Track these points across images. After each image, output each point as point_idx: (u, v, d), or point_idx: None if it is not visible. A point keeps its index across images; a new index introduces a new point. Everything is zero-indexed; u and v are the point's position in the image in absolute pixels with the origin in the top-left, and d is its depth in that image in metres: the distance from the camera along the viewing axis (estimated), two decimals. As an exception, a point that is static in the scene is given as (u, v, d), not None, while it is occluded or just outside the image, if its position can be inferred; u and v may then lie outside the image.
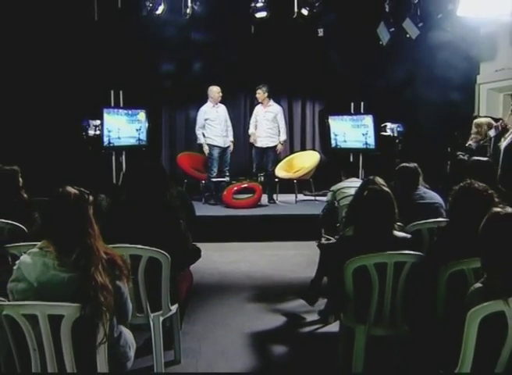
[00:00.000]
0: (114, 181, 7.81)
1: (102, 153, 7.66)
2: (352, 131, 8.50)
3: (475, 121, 5.93)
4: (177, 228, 3.30)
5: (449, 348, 2.29)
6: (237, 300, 4.66)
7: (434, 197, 4.04)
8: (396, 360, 3.19)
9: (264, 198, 7.99)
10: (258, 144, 7.98)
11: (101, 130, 7.43)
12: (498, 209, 2.26)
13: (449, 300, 2.65)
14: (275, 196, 8.18)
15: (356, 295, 2.91)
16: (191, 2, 7.48)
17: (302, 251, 6.02)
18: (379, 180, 3.74)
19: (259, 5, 7.56)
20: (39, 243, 2.28)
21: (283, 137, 7.96)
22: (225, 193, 7.64)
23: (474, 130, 5.80)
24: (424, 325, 2.84)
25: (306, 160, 8.55)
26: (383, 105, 8.06)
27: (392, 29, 7.65)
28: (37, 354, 2.17)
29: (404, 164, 4.18)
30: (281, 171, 8.41)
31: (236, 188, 7.70)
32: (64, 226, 2.22)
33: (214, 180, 7.85)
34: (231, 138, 8.02)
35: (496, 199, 2.75)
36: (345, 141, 8.60)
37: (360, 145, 8.42)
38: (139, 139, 8.06)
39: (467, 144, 5.78)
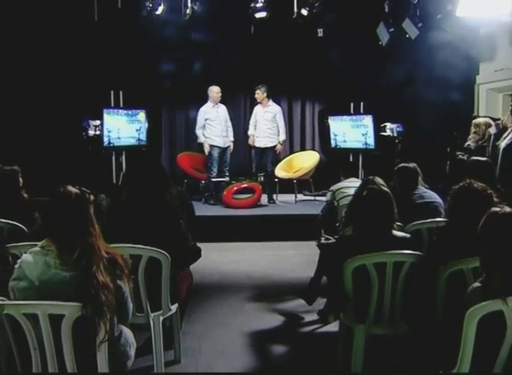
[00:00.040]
0: (114, 181, 7.82)
1: (102, 153, 7.67)
2: (352, 131, 8.51)
3: (474, 121, 5.95)
4: (177, 228, 3.31)
5: (448, 348, 2.30)
6: (237, 300, 4.67)
7: (433, 197, 4.05)
8: (395, 359, 3.20)
9: (264, 198, 8.00)
10: (257, 144, 7.99)
11: (101, 130, 7.44)
12: (496, 209, 2.27)
13: (448, 299, 2.66)
14: (274, 196, 8.19)
15: (355, 295, 2.92)
16: (191, 2, 7.49)
17: (302, 251, 6.03)
18: (379, 180, 3.74)
19: (259, 5, 7.56)
20: (39, 243, 2.29)
21: (282, 137, 7.97)
22: (224, 193, 7.65)
23: (472, 130, 5.81)
24: (423, 324, 2.85)
25: (306, 160, 8.56)
26: (383, 105, 8.07)
27: (392, 29, 7.67)
28: (38, 353, 2.18)
29: (403, 164, 4.19)
30: (281, 171, 8.42)
31: (235, 188, 7.71)
32: (65, 226, 2.22)
33: (214, 180, 7.86)
34: (231, 138, 8.03)
35: (496, 199, 2.76)
36: (345, 141, 8.61)
37: (359, 145, 8.43)
38: (139, 139, 8.07)
39: (466, 145, 5.79)
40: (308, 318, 4.20)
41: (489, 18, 6.74)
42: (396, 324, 2.97)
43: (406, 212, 3.48)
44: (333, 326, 3.89)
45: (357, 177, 5.62)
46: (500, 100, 7.87)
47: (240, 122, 8.85)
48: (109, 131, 7.57)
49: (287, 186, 8.35)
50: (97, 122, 7.46)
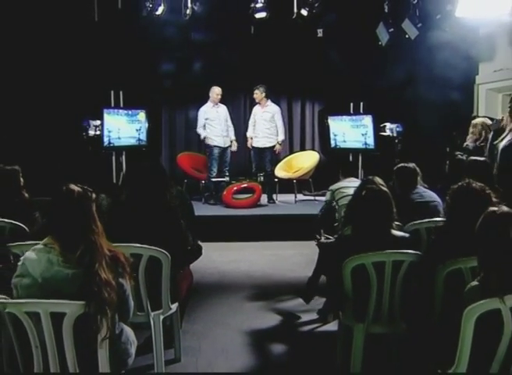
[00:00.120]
0: (114, 181, 7.83)
1: (102, 153, 7.68)
2: (351, 131, 8.52)
3: (472, 121, 5.97)
4: (177, 228, 3.32)
5: (446, 346, 2.32)
6: (237, 299, 4.69)
7: (433, 196, 4.07)
8: (394, 358, 3.22)
9: (264, 198, 8.01)
10: (256, 145, 8.01)
11: (102, 130, 7.45)
12: (494, 208, 2.29)
13: (446, 298, 2.68)
14: (274, 196, 8.21)
15: (354, 294, 2.93)
16: (191, 3, 7.50)
17: (301, 251, 6.05)
18: (378, 180, 3.75)
19: (259, 5, 7.57)
20: (41, 242, 2.30)
21: (281, 137, 7.97)
22: (224, 193, 7.67)
23: (470, 130, 5.83)
24: (421, 323, 2.86)
25: (305, 160, 8.58)
26: (382, 105, 8.08)
27: (392, 29, 7.68)
28: (39, 351, 2.19)
29: (403, 164, 4.21)
30: (280, 171, 8.44)
31: (235, 188, 7.73)
32: (68, 223, 2.24)
33: (214, 180, 7.88)
34: (232, 137, 8.05)
35: (494, 199, 2.78)
36: (344, 141, 8.62)
37: (359, 145, 8.44)
38: (139, 139, 8.08)
39: (464, 145, 5.81)
40: (308, 317, 4.21)
41: (489, 18, 6.76)
42: (395, 323, 2.98)
43: (405, 211, 3.49)
44: (333, 326, 3.90)
45: (357, 177, 5.64)
46: (500, 100, 7.88)
47: (240, 122, 8.86)
48: (109, 131, 7.59)
49: (287, 186, 8.36)
50: (98, 122, 7.48)
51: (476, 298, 2.13)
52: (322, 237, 4.41)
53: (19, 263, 2.23)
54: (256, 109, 8.08)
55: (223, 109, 8.02)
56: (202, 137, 7.87)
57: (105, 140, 7.52)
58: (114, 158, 7.95)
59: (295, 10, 7.83)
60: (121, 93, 8.02)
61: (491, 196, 2.80)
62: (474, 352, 2.16)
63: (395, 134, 8.02)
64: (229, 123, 8.10)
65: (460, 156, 5.66)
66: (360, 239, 2.97)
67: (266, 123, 7.91)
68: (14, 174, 3.94)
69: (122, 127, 7.83)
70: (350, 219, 3.36)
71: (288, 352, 3.70)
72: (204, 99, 7.97)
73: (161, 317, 3.14)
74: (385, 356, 3.29)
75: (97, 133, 7.47)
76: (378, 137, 8.19)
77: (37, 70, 7.18)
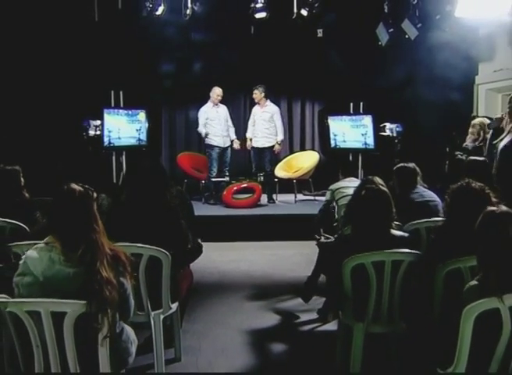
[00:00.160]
0: (114, 181, 7.84)
1: (102, 153, 7.69)
2: (351, 131, 8.53)
3: (471, 122, 5.98)
4: (177, 227, 3.33)
5: (446, 345, 2.33)
6: (237, 299, 4.70)
7: (432, 196, 4.08)
8: (393, 358, 3.23)
9: (264, 198, 8.02)
10: (255, 145, 8.02)
11: (102, 130, 7.46)
12: (493, 208, 2.30)
13: (445, 298, 2.69)
14: (274, 196, 8.21)
15: (354, 293, 2.94)
16: (191, 3, 7.51)
17: (301, 251, 6.06)
18: (378, 179, 3.77)
19: (259, 5, 7.58)
20: (41, 241, 2.31)
21: (280, 137, 7.97)
22: (224, 193, 7.67)
23: (470, 130, 5.85)
24: (421, 322, 2.87)
25: (305, 160, 8.59)
26: (382, 105, 8.09)
27: (391, 29, 7.69)
28: (40, 350, 2.20)
29: (403, 164, 4.21)
30: (280, 171, 8.44)
31: (235, 188, 7.73)
32: (69, 222, 2.25)
33: (214, 179, 7.89)
34: (233, 136, 8.06)
35: (494, 199, 2.79)
36: (344, 141, 8.63)
37: (359, 145, 8.45)
38: (139, 139, 8.09)
39: (464, 145, 5.82)
40: (308, 317, 4.22)
41: (488, 18, 6.76)
42: (394, 322, 2.99)
43: (405, 211, 3.51)
44: (332, 325, 3.92)
45: (357, 177, 5.65)
46: (499, 100, 7.88)
47: (240, 122, 8.87)
48: (109, 131, 7.59)
49: (287, 186, 8.37)
50: (98, 122, 7.49)
51: (475, 298, 2.14)
52: (322, 237, 4.42)
53: (21, 262, 2.24)
54: (255, 109, 8.10)
55: (223, 109, 8.03)
56: (203, 134, 7.87)
57: (105, 140, 7.53)
58: (114, 158, 7.96)
59: (295, 10, 7.83)
60: (121, 93, 8.03)
61: (490, 196, 2.81)
62: (473, 351, 2.17)
63: (395, 134, 8.03)
64: (230, 123, 8.11)
65: (459, 156, 5.67)
66: (360, 238, 2.98)
67: (265, 123, 7.92)
68: (15, 174, 3.94)
69: (123, 127, 7.84)
70: (350, 218, 3.36)
71: (288, 352, 3.71)
72: (204, 99, 7.98)
73: (162, 317, 3.15)
74: (385, 355, 3.29)
75: (98, 133, 7.48)
76: (377, 137, 8.20)
77: (38, 70, 7.19)
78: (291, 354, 3.68)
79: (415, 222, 3.63)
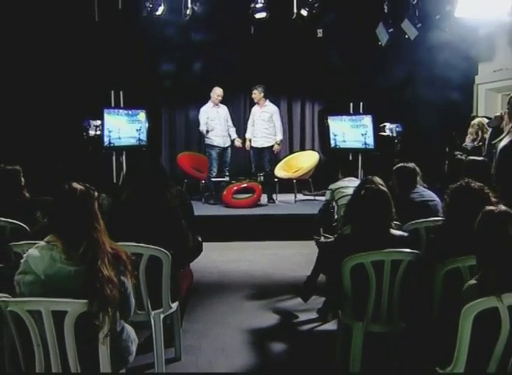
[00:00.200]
0: (114, 181, 7.85)
1: (103, 153, 7.70)
2: (351, 131, 8.54)
3: (471, 122, 6.00)
4: (178, 227, 3.34)
5: (445, 344, 2.34)
6: (237, 298, 4.71)
7: (432, 196, 4.08)
8: (393, 357, 3.24)
9: (264, 198, 8.02)
10: (254, 145, 8.02)
11: (102, 130, 7.48)
12: (492, 207, 2.31)
13: (445, 297, 2.70)
14: (274, 196, 8.22)
15: (354, 293, 2.95)
16: (191, 3, 7.52)
17: (301, 251, 6.06)
18: (377, 179, 3.77)
19: (259, 5, 7.59)
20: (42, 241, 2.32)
21: (279, 136, 7.97)
22: (224, 193, 7.68)
23: (469, 130, 5.86)
24: (420, 322, 2.88)
25: (305, 160, 8.60)
26: (382, 105, 8.10)
27: (391, 29, 7.70)
28: (41, 349, 2.21)
29: (403, 164, 4.22)
30: (280, 171, 8.45)
31: (235, 188, 7.74)
32: (71, 221, 2.27)
33: (214, 179, 7.90)
34: (234, 135, 8.06)
35: (493, 199, 2.79)
36: (344, 141, 8.64)
37: (359, 145, 8.46)
38: (139, 139, 8.10)
39: (463, 145, 5.83)
40: (307, 316, 4.23)
41: (488, 18, 6.77)
42: (393, 322, 3.00)
43: (405, 211, 3.51)
44: (332, 325, 3.93)
45: (357, 177, 5.65)
46: (499, 100, 7.90)
47: (240, 122, 8.88)
48: (110, 131, 7.61)
49: (287, 186, 8.38)
50: (98, 122, 7.50)
51: (474, 297, 2.15)
52: (322, 237, 4.43)
53: (22, 260, 2.25)
54: (254, 109, 8.11)
55: (223, 110, 8.04)
56: (205, 132, 7.85)
57: (106, 140, 7.54)
58: (114, 158, 7.97)
59: (295, 10, 7.83)
60: (121, 93, 8.04)
61: (489, 196, 2.82)
62: (472, 351, 2.18)
63: (394, 134, 8.04)
64: (230, 123, 8.12)
65: (459, 156, 5.68)
66: (360, 238, 2.99)
67: (264, 123, 7.93)
68: (15, 174, 3.95)
69: (123, 127, 7.85)
70: (350, 218, 3.37)
71: (288, 351, 3.71)
72: (204, 99, 7.99)
73: (162, 316, 3.16)
74: (384, 355, 3.30)
75: (98, 133, 7.49)
76: (377, 137, 8.21)
77: (38, 70, 7.20)
78: (291, 353, 3.69)
79: (415, 222, 3.64)
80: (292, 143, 9.53)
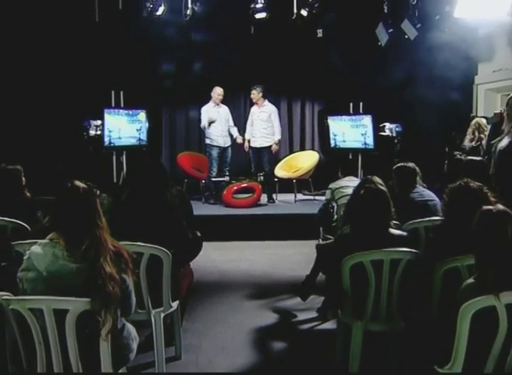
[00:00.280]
0: (115, 181, 7.86)
1: (103, 153, 7.71)
2: (351, 131, 8.55)
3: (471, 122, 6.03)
4: (178, 227, 3.36)
5: (443, 343, 2.35)
6: (237, 298, 4.72)
7: (432, 195, 4.09)
8: (392, 356, 3.25)
9: (264, 198, 8.04)
10: (253, 145, 8.04)
11: (102, 130, 7.49)
12: (489, 207, 2.32)
13: (443, 296, 2.71)
14: (274, 195, 8.24)
15: (353, 292, 2.96)
16: (191, 3, 7.54)
17: (301, 250, 6.07)
18: (377, 179, 3.78)
19: (259, 5, 7.61)
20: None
21: (277, 136, 7.97)
22: (224, 192, 7.69)
23: (468, 130, 5.89)
24: (419, 321, 2.90)
25: (305, 160, 8.61)
26: (382, 105, 8.12)
27: (391, 30, 7.72)
28: (43, 347, 2.22)
29: (402, 163, 4.23)
30: (280, 171, 8.47)
31: (235, 188, 7.75)
32: (74, 219, 2.29)
33: (214, 179, 7.91)
34: (236, 134, 8.07)
35: (493, 199, 2.81)
36: (344, 141, 8.65)
37: (359, 145, 8.47)
38: (139, 139, 8.11)
39: (462, 145, 5.85)
40: (307, 315, 4.25)
41: (487, 19, 6.79)
42: (393, 321, 3.01)
43: (405, 210, 3.53)
44: (332, 324, 3.94)
45: (356, 177, 5.67)
46: (499, 100, 7.92)
47: (240, 122, 8.89)
48: (110, 131, 7.62)
49: (287, 185, 8.39)
50: (98, 122, 7.52)
51: (472, 296, 2.16)
52: (320, 240, 4.44)
53: (25, 257, 2.27)
54: (253, 109, 8.12)
55: (224, 110, 8.05)
56: (207, 126, 7.79)
57: (106, 140, 7.55)
58: (114, 157, 7.98)
59: (295, 10, 7.85)
60: (121, 93, 8.06)
61: (488, 195, 2.83)
62: (470, 349, 2.19)
63: (394, 134, 8.05)
64: (231, 123, 8.14)
65: (458, 156, 5.70)
66: (359, 237, 3.00)
67: (263, 123, 7.94)
68: (16, 173, 3.97)
69: (123, 127, 7.86)
70: (349, 217, 3.39)
71: (287, 350, 3.73)
72: (204, 99, 8.00)
73: (162, 315, 3.17)
74: (384, 353, 3.32)
75: (98, 133, 7.51)
76: (377, 137, 8.23)
77: (39, 71, 7.22)
78: (291, 352, 3.70)
79: (414, 221, 3.65)
80: (292, 143, 9.55)
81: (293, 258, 5.98)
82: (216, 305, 4.52)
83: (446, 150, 6.86)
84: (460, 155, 5.65)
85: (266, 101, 8.01)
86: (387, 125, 8.15)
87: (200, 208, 7.02)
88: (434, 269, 2.73)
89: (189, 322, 4.04)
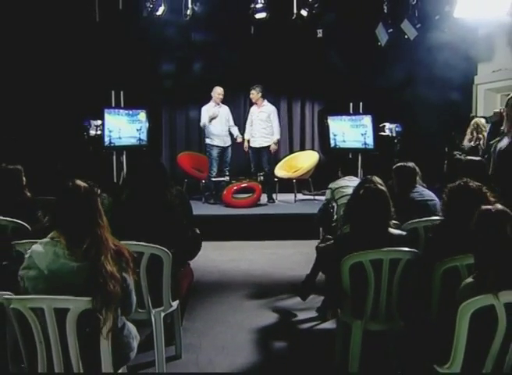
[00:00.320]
0: (115, 181, 7.87)
1: (103, 153, 7.72)
2: (351, 131, 8.56)
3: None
4: (178, 226, 3.36)
5: (442, 342, 2.36)
6: (237, 297, 4.73)
7: (431, 195, 4.10)
8: (391, 355, 3.26)
9: (264, 198, 8.04)
10: (253, 145, 8.05)
11: (102, 130, 7.50)
12: (488, 207, 2.33)
13: (443, 296, 2.72)
14: (274, 195, 8.24)
15: (352, 291, 2.97)
16: (191, 3, 7.55)
17: (301, 250, 6.08)
18: (376, 179, 3.78)
19: (259, 5, 7.61)
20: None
21: (276, 136, 7.97)
22: (224, 192, 7.70)
23: (467, 130, 5.90)
24: (418, 320, 2.90)
25: (305, 160, 8.62)
26: (382, 105, 8.12)
27: (391, 30, 7.73)
28: (44, 346, 2.23)
29: (402, 163, 4.24)
30: (280, 171, 8.48)
31: (235, 188, 7.76)
32: (75, 217, 2.30)
33: (214, 179, 7.92)
34: (237, 133, 8.08)
35: (492, 199, 2.81)
36: (344, 141, 8.66)
37: (359, 145, 8.48)
38: (139, 139, 8.12)
39: (461, 145, 5.86)
40: (307, 315, 4.26)
41: (487, 19, 6.80)
42: (392, 320, 3.02)
43: (405, 210, 3.53)
44: (331, 323, 3.95)
45: (356, 176, 5.67)
46: (498, 100, 7.93)
47: (240, 122, 8.90)
48: (110, 131, 7.63)
49: (287, 185, 8.40)
50: (99, 122, 7.52)
51: (471, 295, 2.17)
52: (320, 241, 4.43)
53: (26, 256, 2.28)
54: (253, 109, 8.13)
55: (225, 109, 8.06)
56: (208, 121, 7.80)
57: (106, 139, 7.56)
58: (115, 157, 7.99)
59: (295, 10, 7.86)
60: (121, 93, 8.07)
61: (487, 195, 2.84)
62: (469, 348, 2.20)
63: (394, 134, 8.06)
64: (232, 122, 8.14)
65: (458, 156, 5.71)
66: (358, 237, 3.01)
67: (262, 123, 7.94)
68: (16, 173, 3.97)
69: (123, 127, 7.87)
70: (349, 217, 3.39)
71: (287, 349, 3.74)
72: (204, 99, 8.01)
73: (162, 314, 3.18)
74: (383, 353, 3.32)
75: (98, 132, 7.51)
76: (377, 136, 8.23)
77: (39, 71, 7.22)
78: (291, 351, 3.71)
79: (413, 221, 3.65)
80: (292, 143, 9.56)
81: (293, 258, 5.99)
82: (216, 305, 4.53)
83: (446, 150, 6.87)
84: (460, 155, 5.66)
85: (265, 101, 8.01)
86: (387, 125, 8.15)
87: (200, 208, 7.03)
88: (433, 269, 2.74)
89: (189, 321, 4.05)
